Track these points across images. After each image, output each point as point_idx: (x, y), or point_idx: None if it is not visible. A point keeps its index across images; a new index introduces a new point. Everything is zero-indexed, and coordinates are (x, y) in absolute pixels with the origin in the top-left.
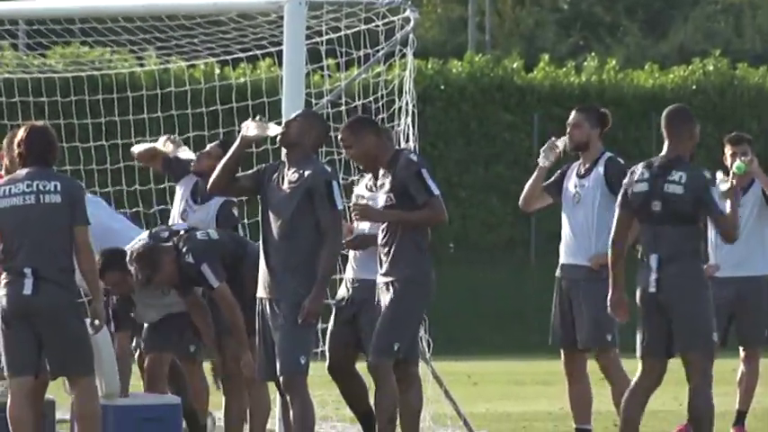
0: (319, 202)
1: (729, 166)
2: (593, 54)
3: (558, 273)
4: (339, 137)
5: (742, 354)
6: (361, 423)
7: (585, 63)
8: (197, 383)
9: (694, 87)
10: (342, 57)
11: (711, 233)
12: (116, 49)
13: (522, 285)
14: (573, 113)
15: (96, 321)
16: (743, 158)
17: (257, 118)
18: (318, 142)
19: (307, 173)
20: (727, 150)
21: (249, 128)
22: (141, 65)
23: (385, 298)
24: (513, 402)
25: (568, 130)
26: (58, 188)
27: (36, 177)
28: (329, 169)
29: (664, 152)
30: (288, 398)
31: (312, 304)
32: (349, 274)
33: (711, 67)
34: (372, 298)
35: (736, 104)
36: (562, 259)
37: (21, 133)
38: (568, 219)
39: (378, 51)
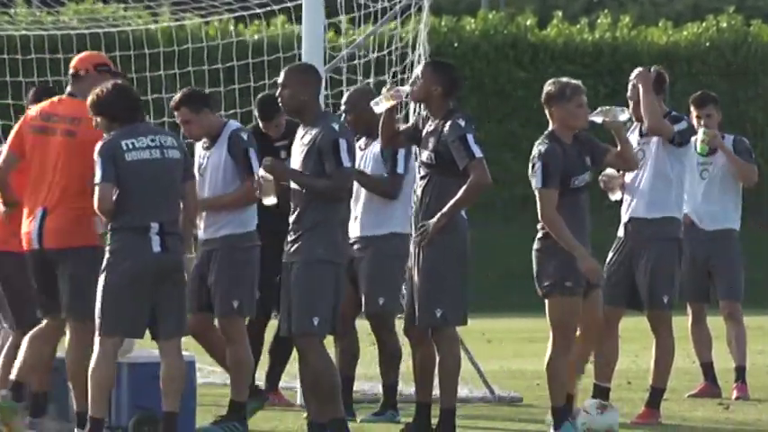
0: (327, 162)
1: (697, 127)
2: (606, 11)
3: (621, 231)
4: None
5: (724, 312)
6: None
7: (599, 20)
8: None
9: (708, 44)
10: (361, 10)
11: (687, 183)
12: (130, 4)
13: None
14: (630, 86)
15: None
16: (705, 131)
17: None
18: (317, 92)
19: (315, 132)
20: (693, 112)
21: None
22: (156, 21)
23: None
24: (527, 360)
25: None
26: (175, 144)
27: (155, 132)
28: (338, 127)
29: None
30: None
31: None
32: (355, 232)
33: (725, 24)
34: (373, 254)
35: (750, 61)
36: (630, 214)
37: (113, 90)
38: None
39: (394, 6)
